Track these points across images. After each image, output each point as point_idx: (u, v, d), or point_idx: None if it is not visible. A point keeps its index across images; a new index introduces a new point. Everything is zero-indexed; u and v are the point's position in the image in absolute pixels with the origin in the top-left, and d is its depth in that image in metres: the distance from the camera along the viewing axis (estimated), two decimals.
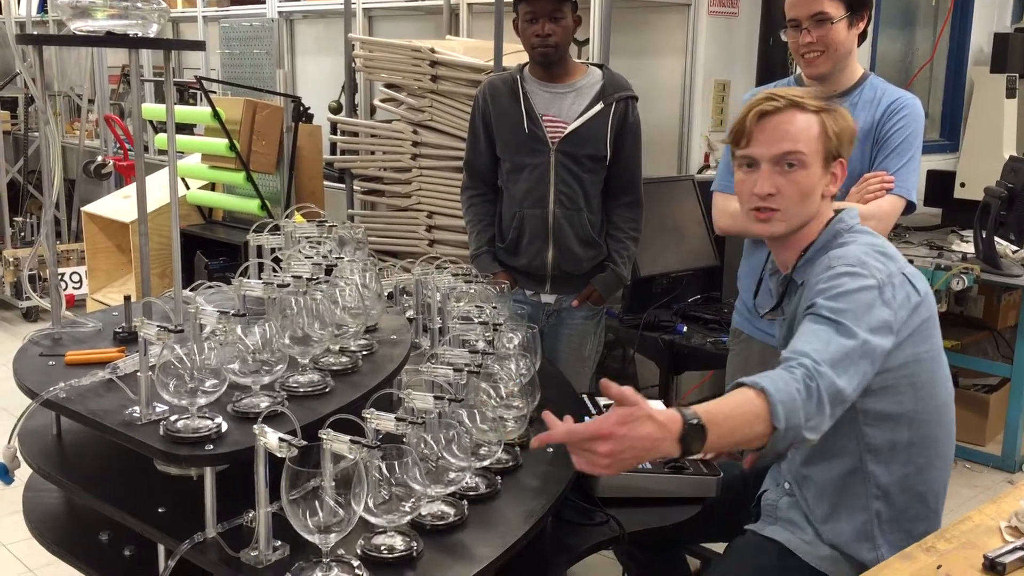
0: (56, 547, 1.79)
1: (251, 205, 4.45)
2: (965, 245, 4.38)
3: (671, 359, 3.40)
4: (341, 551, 1.45)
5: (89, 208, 5.03)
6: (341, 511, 1.40)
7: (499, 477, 1.77)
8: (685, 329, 3.46)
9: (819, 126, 1.80)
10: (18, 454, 1.75)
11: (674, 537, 2.15)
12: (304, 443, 1.40)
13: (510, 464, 1.84)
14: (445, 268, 2.47)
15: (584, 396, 2.39)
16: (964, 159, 4.97)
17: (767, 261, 2.07)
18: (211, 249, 4.65)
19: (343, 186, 4.78)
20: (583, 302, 3.14)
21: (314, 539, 1.39)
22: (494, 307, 2.22)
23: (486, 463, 1.73)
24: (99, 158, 6.26)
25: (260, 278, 1.95)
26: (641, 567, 1.98)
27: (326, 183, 4.80)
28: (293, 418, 1.46)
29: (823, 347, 1.62)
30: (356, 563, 1.44)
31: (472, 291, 2.37)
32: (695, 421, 1.49)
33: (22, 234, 6.74)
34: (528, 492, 1.76)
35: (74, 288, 5.89)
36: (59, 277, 5.91)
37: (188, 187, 4.83)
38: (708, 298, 3.76)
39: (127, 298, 2.10)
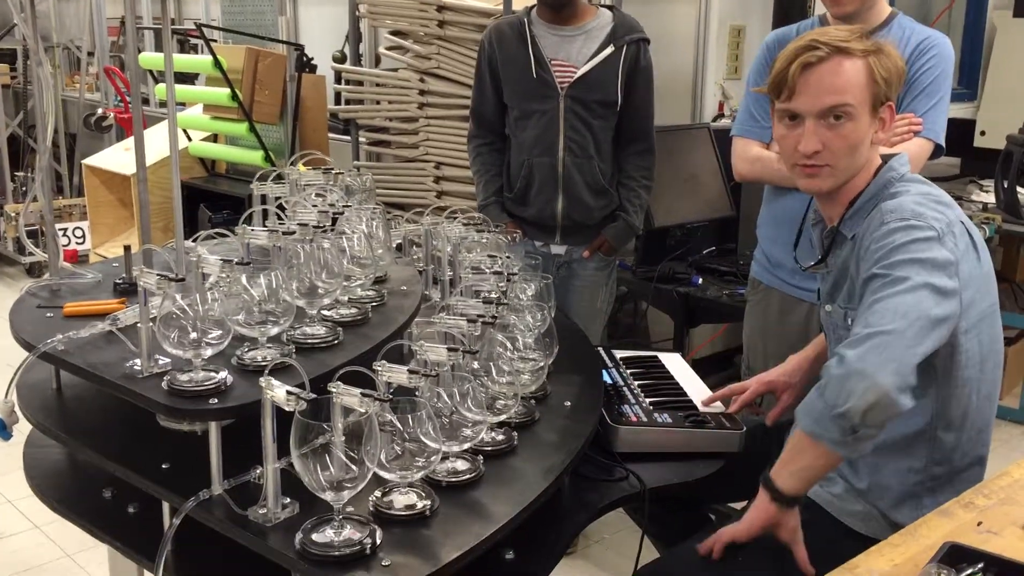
0: (58, 504, 1.73)
1: (254, 157, 4.36)
2: (985, 195, 4.29)
3: (686, 312, 3.33)
4: (351, 509, 1.39)
5: (89, 161, 4.94)
6: (354, 467, 1.33)
7: (515, 432, 1.70)
8: (700, 281, 3.38)
9: (866, 72, 1.69)
10: (16, 409, 1.68)
11: (696, 495, 2.09)
12: (313, 396, 1.33)
13: (527, 418, 1.77)
14: (455, 218, 2.39)
15: (600, 349, 2.32)
16: (985, 107, 4.84)
17: (807, 211, 1.97)
18: (214, 202, 4.57)
19: (348, 138, 4.68)
20: (594, 253, 3.07)
21: (326, 496, 1.33)
22: (507, 257, 2.14)
23: (502, 418, 1.66)
24: (99, 111, 6.14)
25: (265, 227, 1.87)
26: (661, 526, 1.92)
27: (331, 135, 4.70)
28: (301, 370, 1.39)
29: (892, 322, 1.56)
30: (370, 521, 1.38)
31: (484, 241, 2.29)
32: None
33: (23, 189, 6.66)
34: (546, 447, 1.69)
35: (77, 243, 5.81)
36: (62, 232, 5.84)
37: (190, 139, 4.74)
38: (723, 249, 3.68)
39: (127, 248, 2.02)
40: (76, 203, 6.15)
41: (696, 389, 2.16)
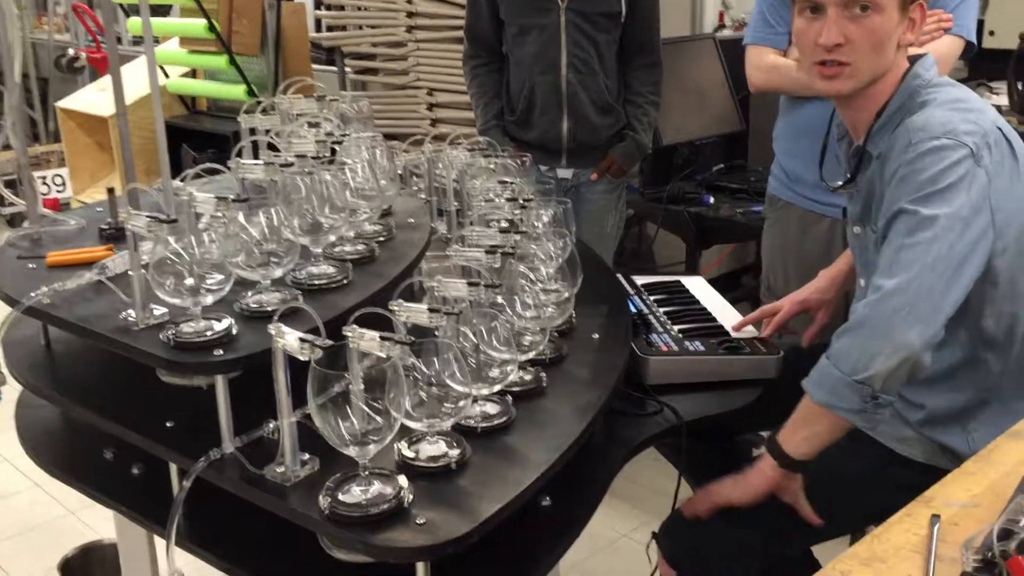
0: (56, 468, 1.62)
1: (236, 91, 4.17)
2: (996, 98, 4.13)
3: (698, 233, 3.19)
4: (375, 464, 1.27)
5: (64, 103, 4.73)
6: (378, 418, 1.21)
7: (543, 371, 1.58)
8: (712, 200, 3.24)
9: None
10: (3, 368, 1.55)
11: (731, 425, 1.99)
12: (329, 343, 1.20)
13: (554, 355, 1.65)
14: (459, 144, 2.24)
15: (620, 276, 2.19)
16: (993, 5, 4.65)
17: (831, 125, 1.83)
18: (197, 142, 4.38)
19: (333, 68, 4.48)
20: (602, 175, 2.93)
21: (350, 452, 1.21)
22: (517, 182, 2.00)
23: (532, 355, 1.54)
24: (70, 51, 5.89)
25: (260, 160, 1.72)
26: (694, 460, 1.82)
27: (314, 66, 4.49)
28: (314, 314, 1.26)
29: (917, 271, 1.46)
30: (398, 475, 1.26)
31: (491, 167, 2.15)
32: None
33: None
34: (578, 385, 1.57)
35: (57, 192, 5.61)
36: (40, 181, 5.64)
37: (167, 75, 4.53)
38: (733, 166, 3.53)
39: (111, 191, 1.87)
40: (53, 149, 5.93)
41: (725, 313, 2.05)
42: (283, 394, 1.26)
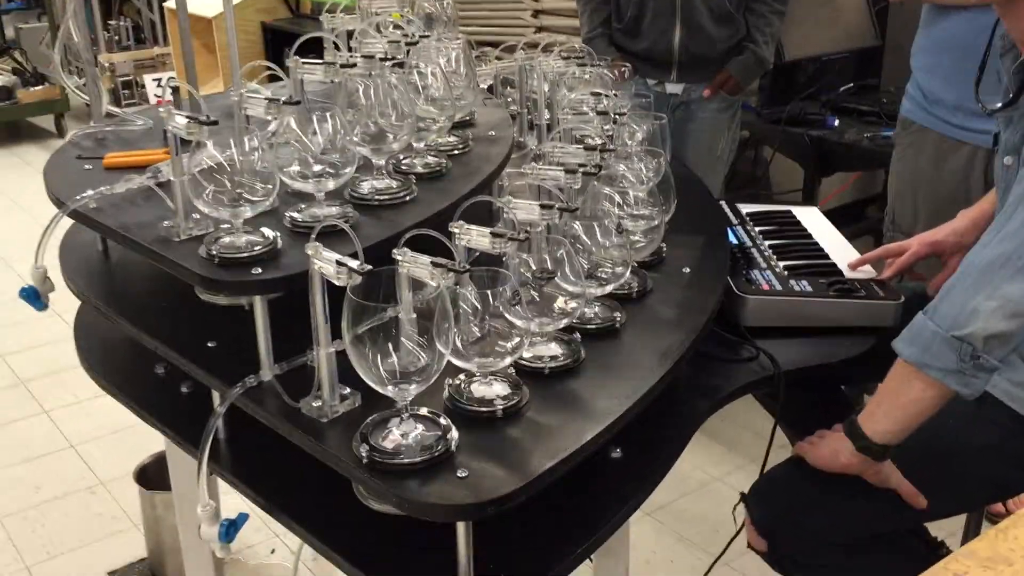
0: (106, 382, 1.54)
1: None
2: None
3: (819, 159, 2.92)
4: (422, 408, 1.14)
5: (170, 3, 4.68)
6: (423, 354, 1.07)
7: (622, 307, 1.40)
8: (837, 123, 2.95)
9: None
10: (48, 275, 1.47)
11: (839, 376, 1.78)
12: (368, 268, 1.06)
13: (638, 289, 1.47)
14: (553, 50, 2.04)
15: (722, 203, 1.98)
16: None
17: (992, 36, 1.56)
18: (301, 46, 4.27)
19: None
20: (716, 91, 2.68)
21: (388, 391, 1.08)
22: (614, 95, 1.80)
23: (608, 289, 1.36)
24: None
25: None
26: (793, 412, 1.63)
27: None
28: (353, 235, 1.12)
29: None
30: (443, 419, 1.12)
31: (587, 77, 1.95)
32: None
33: (116, 38, 6.49)
34: (661, 325, 1.40)
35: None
36: (156, 83, 5.67)
37: None
38: (864, 86, 3.21)
39: (175, 89, 1.76)
40: (167, 51, 5.94)
41: (840, 250, 1.82)
42: (320, 321, 1.13)
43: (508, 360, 1.16)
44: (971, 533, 1.68)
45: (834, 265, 1.74)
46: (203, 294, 1.37)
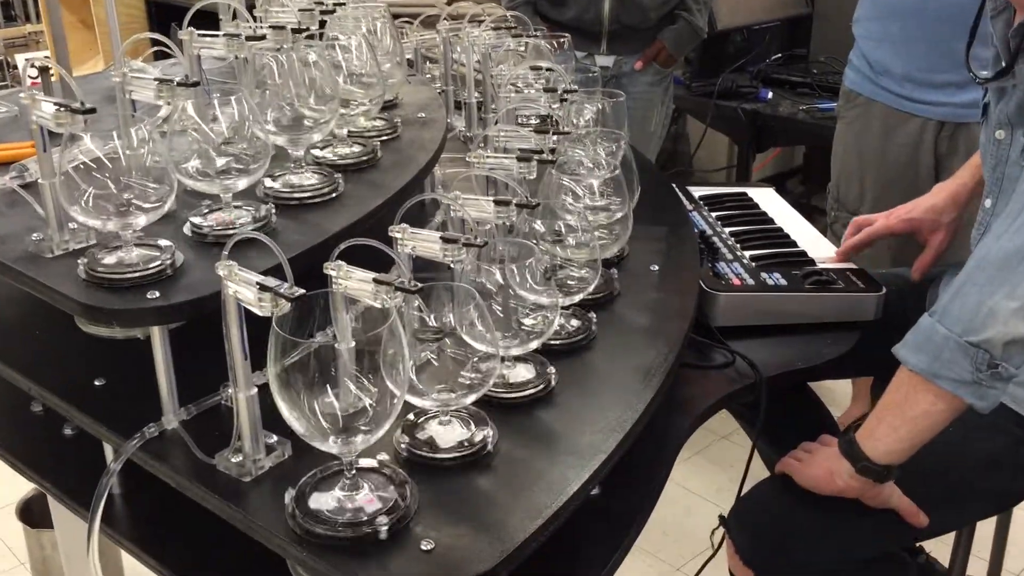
0: None
1: None
2: None
3: (753, 133, 2.78)
4: (365, 459, 0.92)
5: None
6: (369, 397, 0.86)
7: (593, 315, 1.21)
8: (770, 95, 2.81)
9: None
10: None
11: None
12: (300, 292, 0.84)
13: (604, 294, 1.28)
14: (481, 20, 1.83)
15: (675, 187, 1.80)
16: None
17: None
18: (193, 21, 3.94)
19: None
20: (648, 63, 2.51)
21: (329, 447, 0.86)
22: (556, 69, 1.60)
23: (579, 297, 1.17)
24: None
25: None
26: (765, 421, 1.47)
27: None
28: (276, 249, 0.89)
29: None
30: (398, 472, 0.91)
31: (522, 50, 1.75)
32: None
33: None
34: (637, 336, 1.21)
35: None
36: (30, 64, 5.21)
37: None
38: (792, 56, 3.09)
39: (43, 70, 1.48)
40: (39, 29, 5.48)
41: (806, 236, 1.67)
42: (238, 358, 0.90)
43: (473, 395, 0.95)
44: (963, 543, 1.55)
45: (804, 253, 1.59)
46: (86, 325, 1.12)
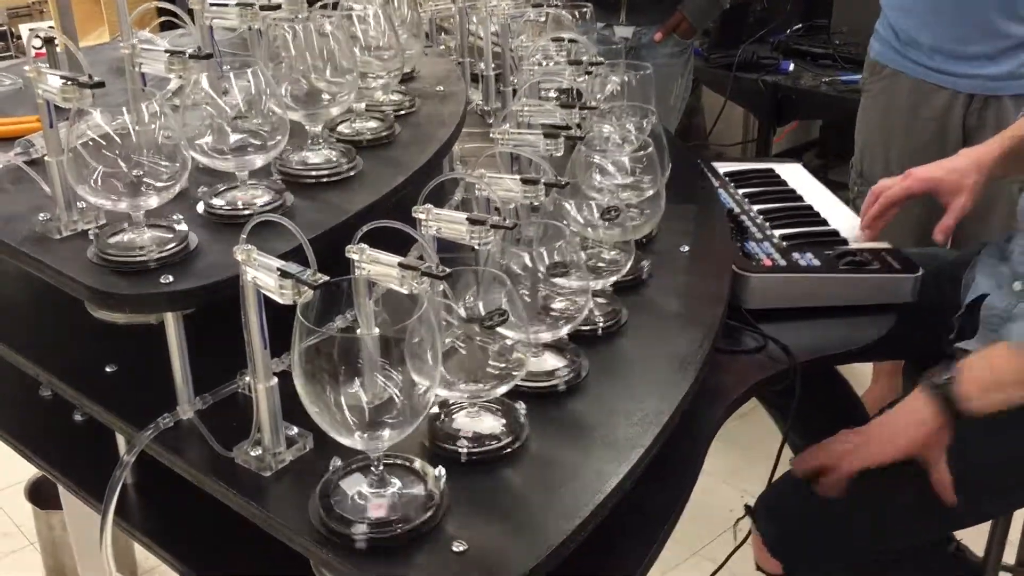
0: None
1: None
2: None
3: (774, 106, 2.72)
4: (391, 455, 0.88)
5: None
6: (396, 389, 0.81)
7: (619, 307, 1.16)
8: (791, 67, 2.74)
9: None
10: None
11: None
12: (324, 279, 0.79)
13: (634, 277, 1.23)
14: None
15: (700, 163, 1.75)
16: None
17: None
18: None
19: None
20: (668, 34, 2.44)
21: (355, 442, 0.81)
22: (579, 40, 1.54)
23: (611, 281, 1.12)
24: None
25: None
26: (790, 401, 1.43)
27: None
28: (297, 231, 0.84)
29: None
30: (426, 469, 0.87)
31: (542, 20, 1.69)
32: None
33: None
34: (670, 321, 1.16)
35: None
36: (33, 34, 5.14)
37: None
38: (812, 27, 3.01)
39: (48, 40, 1.42)
40: None
41: (837, 213, 1.62)
42: (257, 346, 0.86)
43: (504, 386, 0.90)
44: (998, 532, 1.51)
45: (836, 233, 1.53)
46: (96, 310, 1.08)
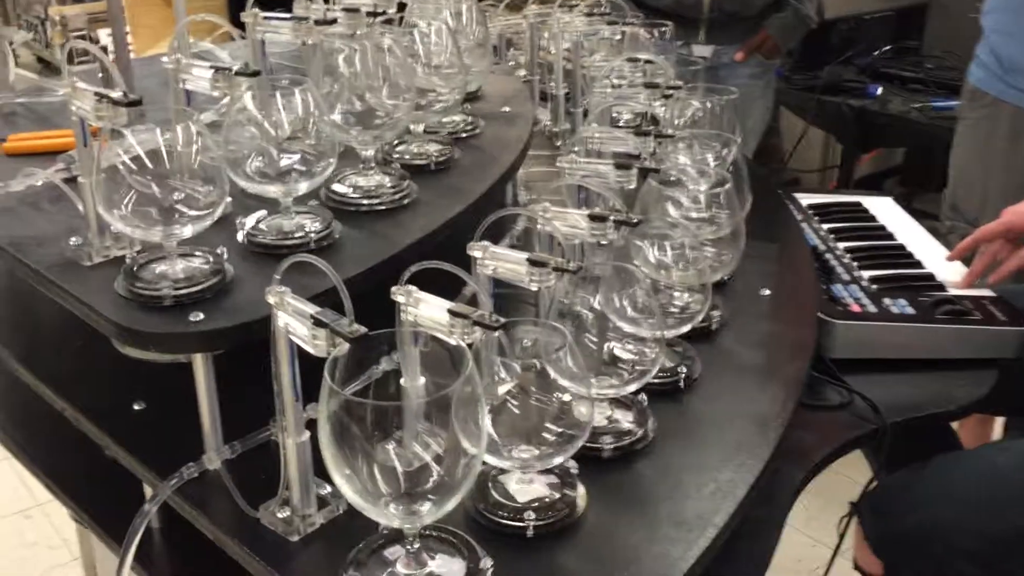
0: (11, 436, 1.18)
1: None
2: None
3: (860, 132, 2.57)
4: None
5: None
6: (439, 455, 0.71)
7: (692, 356, 1.05)
8: (879, 91, 2.60)
9: None
10: None
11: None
12: (362, 331, 0.70)
13: (707, 325, 1.12)
14: (574, 5, 1.67)
15: (782, 194, 1.63)
16: None
17: None
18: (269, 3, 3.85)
19: None
20: (751, 54, 2.32)
21: (389, 518, 0.72)
22: (656, 60, 1.44)
23: (684, 329, 1.01)
24: None
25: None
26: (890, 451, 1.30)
27: None
28: (334, 276, 0.75)
29: None
30: (469, 546, 0.77)
31: (617, 39, 1.59)
32: None
33: None
34: (747, 376, 1.05)
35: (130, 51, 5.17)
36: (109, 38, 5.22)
37: None
38: (901, 49, 2.86)
39: (104, 48, 1.37)
40: (123, 3, 5.47)
41: (933, 255, 1.48)
42: (288, 400, 0.77)
43: (561, 456, 0.80)
44: None
45: (932, 276, 1.40)
46: (123, 346, 1.01)
